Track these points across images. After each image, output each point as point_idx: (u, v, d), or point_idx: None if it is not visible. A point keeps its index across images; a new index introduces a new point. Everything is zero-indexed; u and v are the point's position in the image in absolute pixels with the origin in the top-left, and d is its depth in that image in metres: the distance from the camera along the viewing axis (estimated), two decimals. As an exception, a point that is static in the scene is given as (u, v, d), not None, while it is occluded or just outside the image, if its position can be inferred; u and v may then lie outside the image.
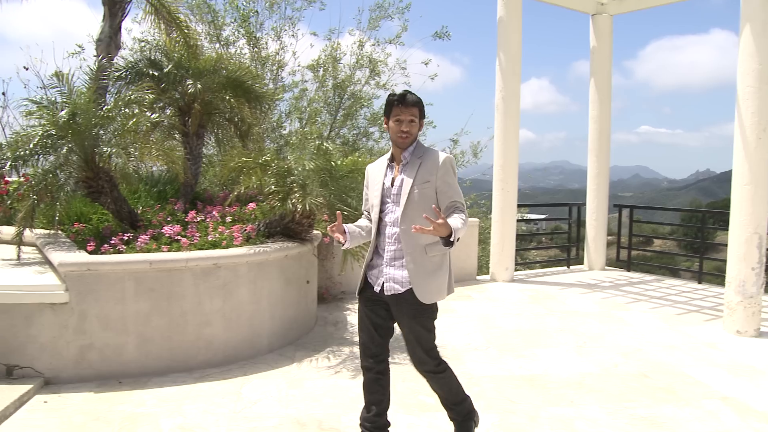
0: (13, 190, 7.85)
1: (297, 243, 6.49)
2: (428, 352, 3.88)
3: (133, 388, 5.21)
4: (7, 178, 8.17)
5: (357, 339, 6.59)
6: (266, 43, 14.10)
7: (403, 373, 5.58)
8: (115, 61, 9.01)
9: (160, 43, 9.42)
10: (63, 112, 5.92)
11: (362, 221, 4.04)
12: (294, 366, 5.84)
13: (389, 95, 3.82)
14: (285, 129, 14.06)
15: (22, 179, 7.53)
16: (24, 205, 6.12)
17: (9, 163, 5.81)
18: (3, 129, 11.35)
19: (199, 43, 10.04)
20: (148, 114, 6.72)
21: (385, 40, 15.01)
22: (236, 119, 8.24)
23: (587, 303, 8.76)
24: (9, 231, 6.53)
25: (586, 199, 11.76)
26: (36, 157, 6.02)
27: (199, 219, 6.74)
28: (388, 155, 3.95)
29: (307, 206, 5.77)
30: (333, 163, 6.42)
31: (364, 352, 4.00)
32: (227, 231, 6.32)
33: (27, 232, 6.24)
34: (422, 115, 3.83)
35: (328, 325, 7.27)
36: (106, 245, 5.79)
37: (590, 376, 5.68)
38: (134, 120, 6.23)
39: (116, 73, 7.82)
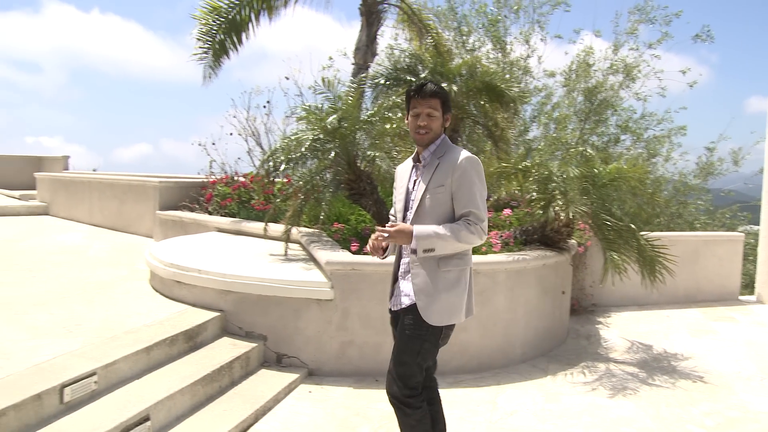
0: (278, 191, 8.41)
1: (555, 252, 6.28)
2: (402, 377, 3.35)
3: (389, 387, 5.29)
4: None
5: (613, 355, 6.27)
6: (512, 47, 13.97)
7: (666, 398, 5.18)
8: (371, 67, 9.37)
9: (411, 50, 9.63)
10: (332, 118, 6.18)
11: None
12: (548, 379, 5.63)
13: (408, 87, 3.34)
14: (529, 134, 13.83)
15: (284, 180, 8.05)
16: (291, 205, 6.49)
17: (283, 165, 6.18)
18: (267, 134, 12.24)
19: (447, 48, 10.17)
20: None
21: (645, 44, 14.19)
22: (489, 123, 8.17)
23: None
24: (277, 228, 6.95)
25: None
26: (304, 160, 6.36)
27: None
28: (414, 154, 3.51)
29: (570, 214, 5.53)
30: (595, 170, 6.12)
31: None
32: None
33: (293, 230, 6.60)
34: (446, 108, 3.35)
35: (581, 339, 6.94)
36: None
37: None
38: (395, 124, 6.37)
39: (376, 80, 8.08)
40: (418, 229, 3.17)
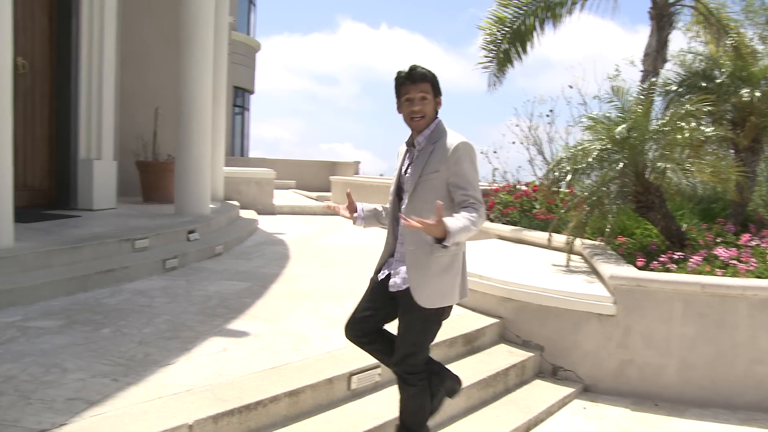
0: (560, 201, 8.33)
1: None
2: (406, 356, 3.41)
3: (670, 414, 4.99)
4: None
5: None
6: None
7: None
8: (660, 73, 8.95)
9: (706, 53, 8.99)
10: (621, 127, 5.98)
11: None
12: None
13: (396, 73, 3.28)
14: None
15: (567, 190, 7.96)
16: (575, 216, 6.41)
17: (569, 175, 6.13)
18: (549, 143, 12.16)
19: (750, 50, 9.32)
20: (703, 128, 6.39)
21: None
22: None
23: None
24: (559, 239, 6.90)
25: None
26: (589, 170, 6.26)
27: (754, 243, 6.18)
28: (408, 138, 3.50)
29: None
30: None
31: (350, 320, 3.61)
32: (790, 260, 5.65)
33: (576, 241, 6.51)
34: (437, 91, 3.34)
35: None
36: (654, 262, 5.70)
37: None
38: (688, 134, 6.00)
39: (667, 87, 7.68)
40: (451, 226, 3.10)
